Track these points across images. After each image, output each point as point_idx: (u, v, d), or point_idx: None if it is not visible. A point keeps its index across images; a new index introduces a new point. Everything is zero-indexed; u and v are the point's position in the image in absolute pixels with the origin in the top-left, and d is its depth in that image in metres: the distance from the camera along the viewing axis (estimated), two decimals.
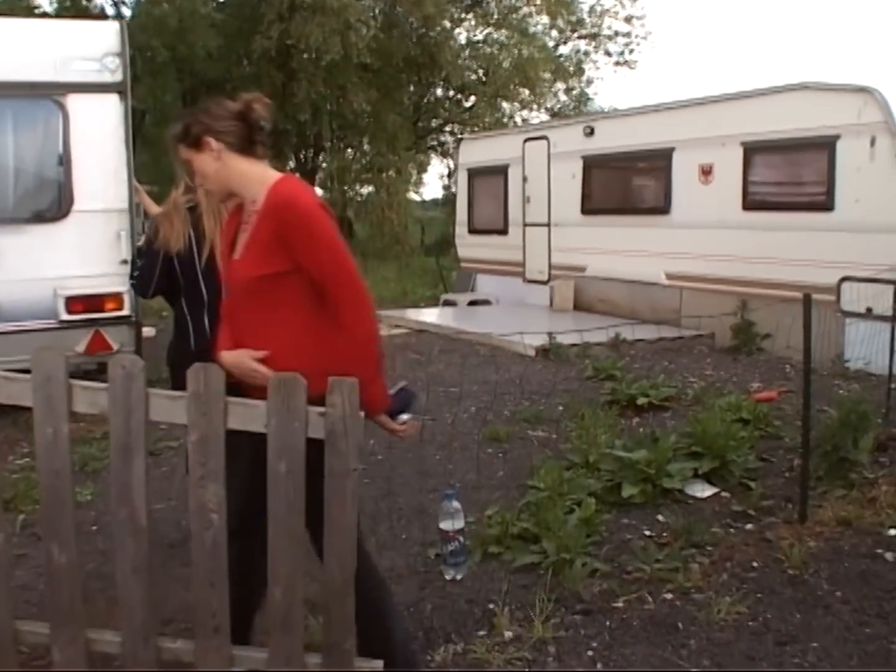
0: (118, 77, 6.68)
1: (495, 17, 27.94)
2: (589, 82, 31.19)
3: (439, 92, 30.05)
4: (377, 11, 25.28)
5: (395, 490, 5.35)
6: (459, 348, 10.51)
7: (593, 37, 31.17)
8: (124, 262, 6.81)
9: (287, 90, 24.30)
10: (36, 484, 3.55)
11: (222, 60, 23.52)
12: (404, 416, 2.97)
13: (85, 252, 6.77)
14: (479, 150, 15.80)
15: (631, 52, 30.93)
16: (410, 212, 30.86)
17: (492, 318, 12.73)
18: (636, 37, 30.55)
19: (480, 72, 27.61)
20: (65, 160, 6.64)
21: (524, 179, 14.09)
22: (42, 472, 2.96)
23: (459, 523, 4.14)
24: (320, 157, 30.91)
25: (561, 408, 7.38)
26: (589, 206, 12.89)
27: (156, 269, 4.07)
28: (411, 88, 29.09)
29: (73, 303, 6.70)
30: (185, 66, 22.63)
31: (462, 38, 27.83)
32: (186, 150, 2.92)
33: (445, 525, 4.14)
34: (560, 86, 30.53)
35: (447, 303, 15.20)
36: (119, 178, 6.74)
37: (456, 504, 4.14)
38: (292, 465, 2.78)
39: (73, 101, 6.64)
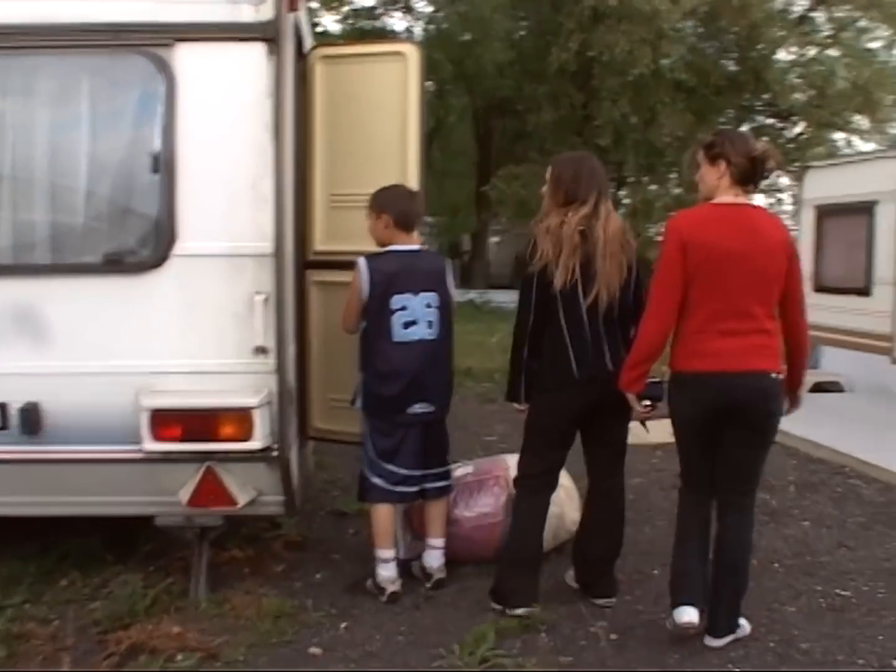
0: (265, 14, 3.62)
1: (825, 33, 23.24)
2: None
3: (760, 117, 25.62)
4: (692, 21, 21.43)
5: None
6: (826, 480, 6.72)
7: None
8: (260, 350, 3.75)
9: (586, 111, 21.12)
10: None
11: (514, 78, 20.73)
12: (646, 402, 3.91)
13: (191, 329, 3.76)
14: (833, 182, 11.80)
15: None
16: None
17: (861, 422, 8.69)
18: None
19: (812, 92, 22.85)
20: (165, 162, 3.66)
21: None
22: None
23: None
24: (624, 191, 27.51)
25: None
26: None
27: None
28: (730, 113, 24.97)
29: (164, 421, 3.71)
30: (474, 85, 20.01)
31: (784, 58, 23.37)
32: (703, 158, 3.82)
33: None
34: None
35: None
36: (259, 195, 3.69)
37: None
38: None
39: (185, 58, 3.65)
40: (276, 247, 3.75)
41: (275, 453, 3.84)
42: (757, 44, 20.38)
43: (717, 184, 3.75)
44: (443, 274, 4.39)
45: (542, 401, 4.15)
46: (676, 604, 3.86)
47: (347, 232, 4.58)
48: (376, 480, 4.30)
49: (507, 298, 21.63)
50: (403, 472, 4.32)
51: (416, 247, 4.39)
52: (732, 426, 3.73)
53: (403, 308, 4.20)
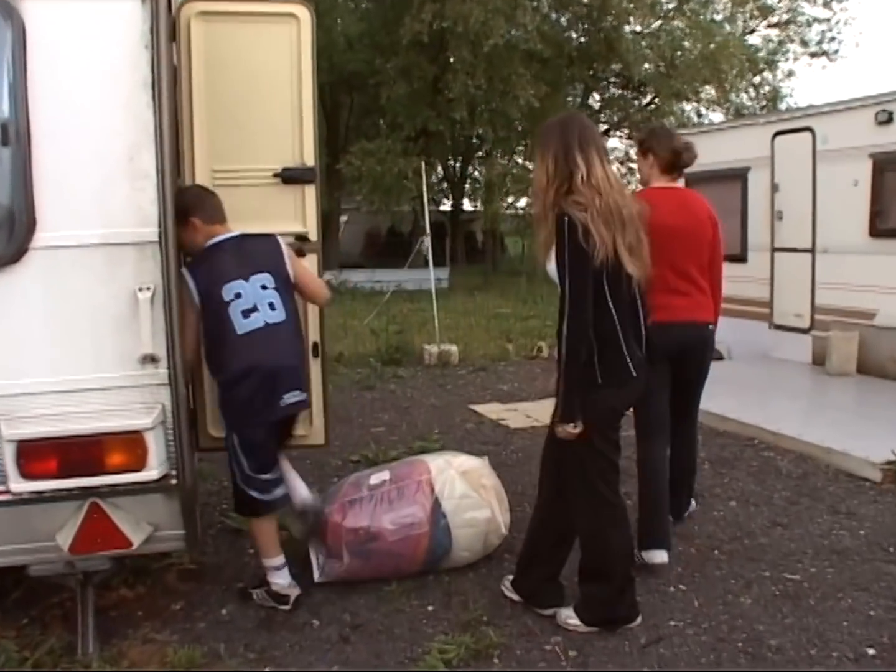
0: None
1: (671, 5, 23.58)
2: (789, 74, 26.58)
3: (612, 88, 25.83)
4: None
5: None
6: (739, 454, 6.49)
7: (786, 24, 26.80)
8: (149, 358, 3.11)
9: (440, 84, 20.68)
10: None
11: (364, 51, 20.05)
12: None
13: (62, 337, 3.09)
14: (703, 150, 11.57)
15: (831, 40, 26.75)
16: None
17: (753, 390, 8.59)
18: (837, 23, 26.58)
19: (662, 64, 23.03)
20: (16, 132, 2.97)
21: (773, 188, 10.09)
22: None
23: None
24: (472, 165, 27.27)
25: None
26: (883, 226, 8.74)
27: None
28: (579, 85, 25.04)
29: (35, 454, 3.02)
30: (322, 58, 19.20)
31: (636, 29, 23.57)
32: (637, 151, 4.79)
33: None
34: (749, 81, 25.93)
35: None
36: (138, 170, 3.05)
37: None
38: None
39: (38, 7, 2.97)
40: (162, 231, 3.10)
41: (174, 481, 3.20)
42: (608, 14, 20.38)
43: (649, 172, 4.61)
44: (275, 252, 3.92)
45: (598, 400, 3.58)
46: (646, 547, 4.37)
47: (234, 213, 3.96)
48: (254, 493, 3.90)
49: (362, 278, 21.38)
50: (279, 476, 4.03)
51: (236, 233, 3.92)
52: (679, 368, 4.49)
53: (238, 296, 3.73)
